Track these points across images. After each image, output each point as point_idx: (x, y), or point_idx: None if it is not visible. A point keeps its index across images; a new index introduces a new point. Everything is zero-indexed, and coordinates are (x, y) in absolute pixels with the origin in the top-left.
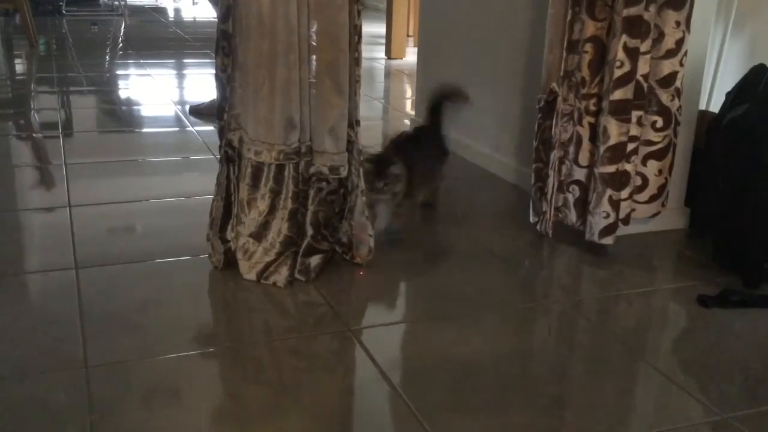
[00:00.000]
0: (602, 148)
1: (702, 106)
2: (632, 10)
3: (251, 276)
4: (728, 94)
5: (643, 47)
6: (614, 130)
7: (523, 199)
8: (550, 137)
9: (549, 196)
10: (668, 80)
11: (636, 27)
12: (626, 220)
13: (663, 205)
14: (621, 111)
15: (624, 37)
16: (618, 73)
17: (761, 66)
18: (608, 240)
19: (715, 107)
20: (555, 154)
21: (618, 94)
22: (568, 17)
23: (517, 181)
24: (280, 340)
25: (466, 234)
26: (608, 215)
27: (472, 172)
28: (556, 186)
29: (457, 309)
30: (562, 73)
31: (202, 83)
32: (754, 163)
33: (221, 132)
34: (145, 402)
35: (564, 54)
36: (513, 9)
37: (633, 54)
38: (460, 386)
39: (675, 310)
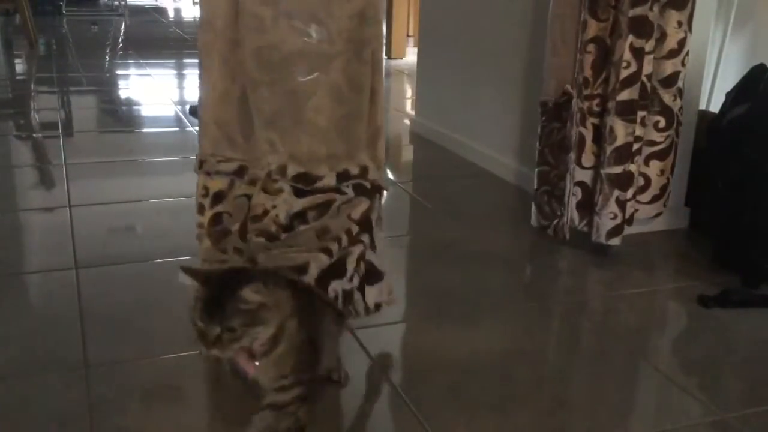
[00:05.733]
0: (609, 149)
1: (702, 106)
2: (638, 10)
3: None
4: (728, 94)
5: (647, 47)
6: (621, 131)
7: (524, 200)
8: (560, 140)
9: (566, 200)
10: (670, 80)
11: (642, 27)
12: (630, 221)
13: (665, 205)
14: (627, 111)
15: (630, 38)
16: (624, 73)
17: (761, 66)
18: (615, 241)
19: (715, 107)
20: (571, 157)
21: (625, 95)
22: (581, 17)
23: (518, 182)
24: None
25: (466, 234)
26: (615, 216)
27: (473, 172)
28: (571, 190)
29: (457, 309)
30: (575, 75)
31: None
32: (754, 163)
33: None
34: (145, 402)
35: (578, 55)
36: (513, 9)
37: (639, 54)
38: (460, 386)
39: (675, 310)
